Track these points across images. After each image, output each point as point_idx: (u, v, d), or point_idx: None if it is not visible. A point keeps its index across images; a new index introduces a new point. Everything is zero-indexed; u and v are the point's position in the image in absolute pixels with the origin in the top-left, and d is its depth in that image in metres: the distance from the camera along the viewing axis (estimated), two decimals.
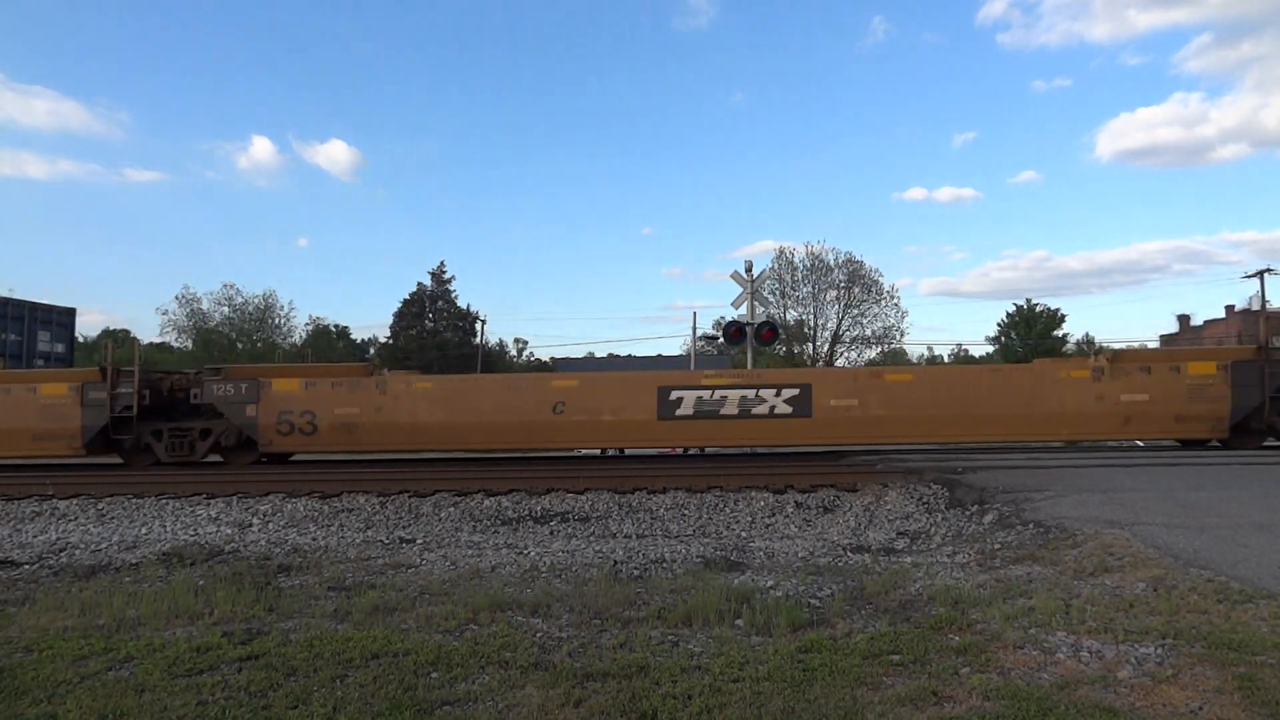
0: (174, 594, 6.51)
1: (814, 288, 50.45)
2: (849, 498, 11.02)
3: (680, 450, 15.68)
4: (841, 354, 51.62)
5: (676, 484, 11.71)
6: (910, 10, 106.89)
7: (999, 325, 64.12)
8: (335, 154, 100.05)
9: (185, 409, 14.32)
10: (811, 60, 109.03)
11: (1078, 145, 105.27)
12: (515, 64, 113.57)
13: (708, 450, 15.57)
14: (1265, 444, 13.90)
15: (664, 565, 7.83)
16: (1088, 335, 59.70)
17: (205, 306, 48.73)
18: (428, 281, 55.63)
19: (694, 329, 49.52)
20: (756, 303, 21.25)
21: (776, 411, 13.54)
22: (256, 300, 50.21)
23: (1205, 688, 4.09)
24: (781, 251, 51.51)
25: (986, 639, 5.02)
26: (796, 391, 13.62)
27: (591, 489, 11.62)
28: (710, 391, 13.61)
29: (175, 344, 49.46)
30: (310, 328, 57.91)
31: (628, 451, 15.58)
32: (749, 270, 27.52)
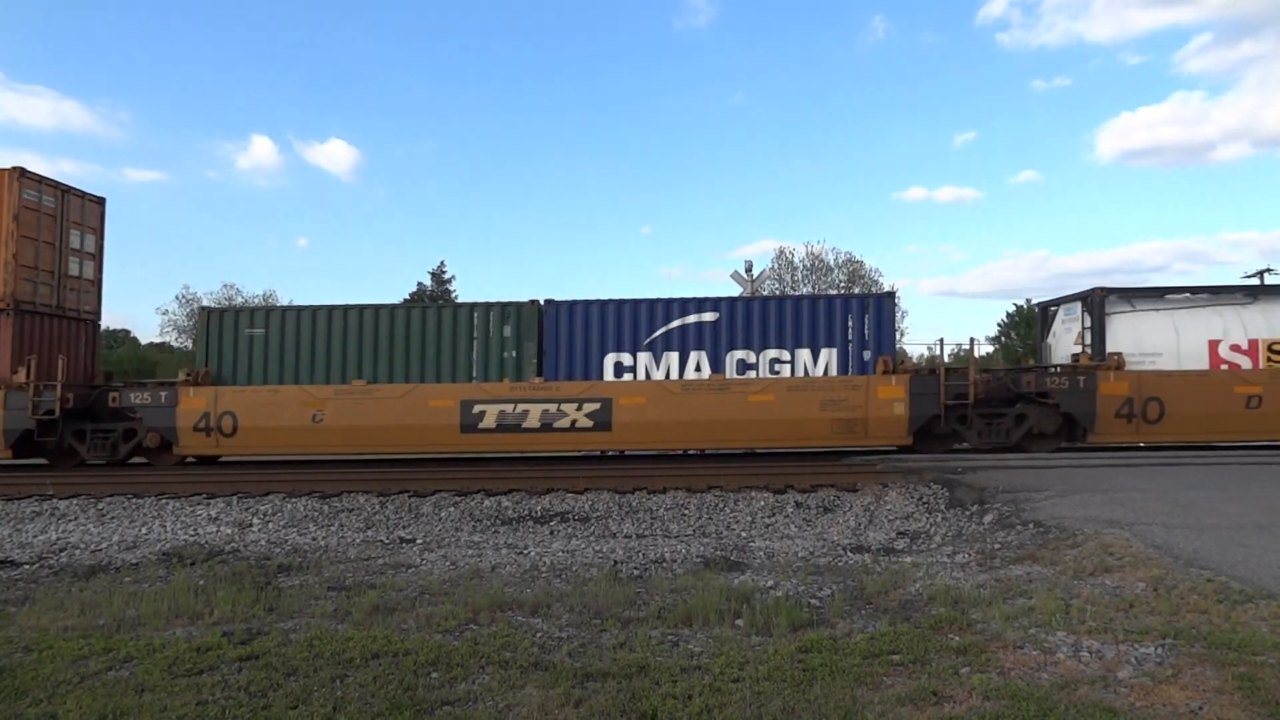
0: (174, 594, 6.51)
1: (814, 287, 50.52)
2: (849, 498, 11.02)
3: (682, 450, 15.68)
4: None
5: (676, 484, 11.72)
6: (910, 9, 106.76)
7: (999, 325, 64.10)
8: (335, 154, 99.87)
9: None
10: (811, 60, 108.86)
11: (1078, 145, 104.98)
12: (515, 64, 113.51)
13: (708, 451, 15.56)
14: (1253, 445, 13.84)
15: (664, 565, 7.83)
16: None
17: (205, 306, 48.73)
18: (428, 281, 55.52)
19: None
20: None
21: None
22: (256, 300, 50.12)
23: (1205, 688, 4.10)
24: (781, 251, 51.62)
25: (986, 639, 5.03)
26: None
27: (591, 489, 11.63)
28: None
29: (175, 344, 49.34)
30: None
31: (626, 452, 15.58)
32: (749, 270, 27.61)
